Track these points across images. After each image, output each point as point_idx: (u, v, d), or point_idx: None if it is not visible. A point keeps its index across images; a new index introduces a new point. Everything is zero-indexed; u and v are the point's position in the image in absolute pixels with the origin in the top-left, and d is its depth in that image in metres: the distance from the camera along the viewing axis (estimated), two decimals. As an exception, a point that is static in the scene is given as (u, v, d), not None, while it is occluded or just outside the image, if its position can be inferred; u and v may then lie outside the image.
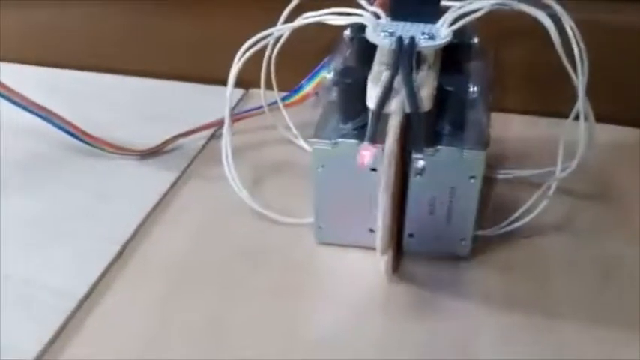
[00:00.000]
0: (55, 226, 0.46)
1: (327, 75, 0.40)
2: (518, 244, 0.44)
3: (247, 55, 0.44)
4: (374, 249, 0.39)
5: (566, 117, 0.41)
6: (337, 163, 0.40)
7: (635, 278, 0.41)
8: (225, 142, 0.46)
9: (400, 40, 0.37)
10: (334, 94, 0.40)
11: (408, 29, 0.39)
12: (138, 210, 0.47)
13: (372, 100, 0.37)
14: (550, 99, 0.52)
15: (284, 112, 0.53)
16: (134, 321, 0.39)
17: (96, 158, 0.52)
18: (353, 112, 0.40)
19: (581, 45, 0.39)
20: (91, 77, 0.65)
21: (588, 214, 0.46)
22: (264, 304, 0.40)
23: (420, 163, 0.38)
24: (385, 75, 0.36)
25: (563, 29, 0.39)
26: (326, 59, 0.50)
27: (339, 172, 0.40)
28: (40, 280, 0.41)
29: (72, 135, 0.51)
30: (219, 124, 0.56)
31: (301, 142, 0.53)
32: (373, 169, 0.39)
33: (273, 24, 0.44)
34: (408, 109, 0.36)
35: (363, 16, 0.40)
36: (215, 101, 0.59)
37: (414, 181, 0.39)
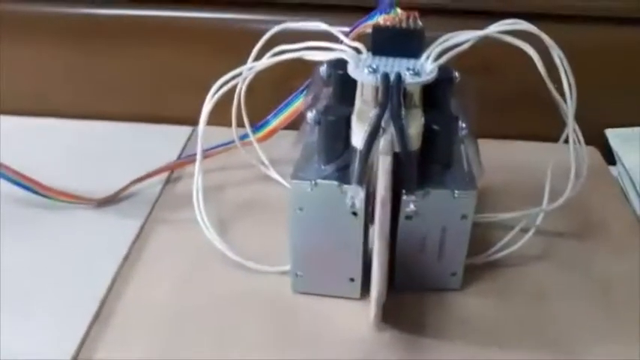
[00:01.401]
0: (24, 290, 0.41)
1: (308, 114, 0.38)
2: (505, 271, 0.43)
3: (220, 92, 0.42)
4: (354, 299, 0.38)
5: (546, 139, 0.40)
6: (317, 205, 0.37)
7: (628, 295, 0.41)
8: (197, 187, 0.44)
9: (386, 76, 0.35)
10: (315, 134, 0.38)
11: (391, 65, 0.37)
12: (109, 263, 0.43)
13: (358, 140, 0.35)
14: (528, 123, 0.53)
15: (256, 146, 0.51)
16: None
17: (50, 210, 0.48)
18: (335, 152, 0.38)
19: (570, 75, 0.38)
20: (30, 122, 0.60)
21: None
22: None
23: (412, 207, 0.36)
24: (373, 113, 0.34)
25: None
26: (293, 94, 0.48)
27: (318, 215, 0.38)
28: (23, 350, 0.37)
29: (23, 187, 0.47)
30: (176, 166, 0.53)
31: (274, 174, 0.51)
32: (354, 213, 0.37)
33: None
34: (396, 149, 0.34)
35: (344, 52, 0.38)
36: (163, 141, 0.57)
37: (405, 221, 0.37)
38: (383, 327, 0.39)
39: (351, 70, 0.37)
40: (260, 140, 0.50)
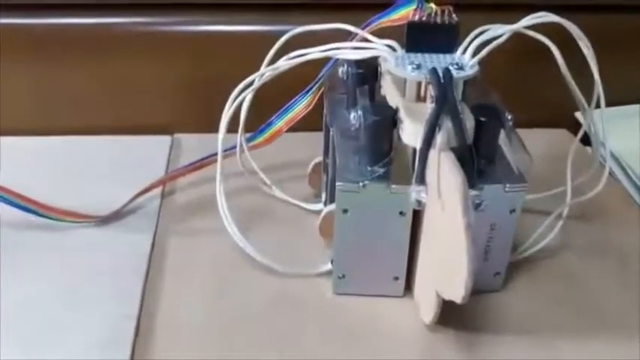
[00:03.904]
0: (55, 320, 0.39)
1: (352, 114, 0.37)
2: (541, 267, 0.43)
3: (241, 97, 0.40)
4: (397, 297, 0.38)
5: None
6: (364, 206, 0.37)
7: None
8: (220, 193, 0.42)
9: (435, 71, 0.35)
10: (361, 135, 0.37)
11: (429, 60, 0.37)
12: (133, 279, 0.41)
13: (413, 138, 0.35)
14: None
15: (248, 155, 0.48)
16: None
17: (52, 232, 0.45)
18: (380, 152, 0.37)
19: (595, 68, 0.39)
20: (11, 142, 0.56)
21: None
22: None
23: (476, 200, 0.36)
24: (430, 110, 0.34)
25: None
26: (297, 95, 0.47)
27: (365, 216, 0.37)
28: None
29: (25, 209, 0.44)
30: (174, 176, 0.51)
31: (276, 191, 0.50)
32: (401, 213, 0.37)
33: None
34: (452, 144, 0.34)
35: (380, 49, 0.37)
36: (144, 152, 0.55)
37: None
38: (431, 326, 0.38)
39: (393, 68, 0.36)
40: (263, 143, 0.49)
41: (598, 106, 0.40)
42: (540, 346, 0.38)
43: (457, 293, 0.32)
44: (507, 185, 0.37)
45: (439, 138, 0.34)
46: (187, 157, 0.51)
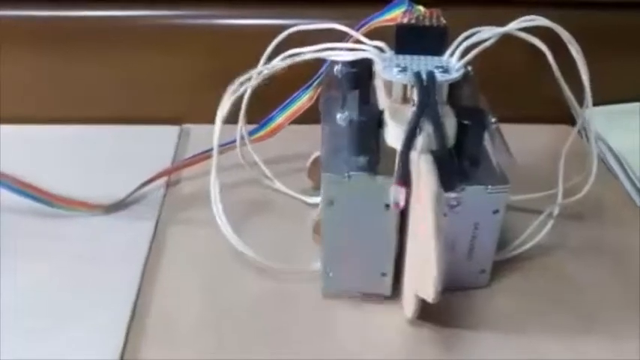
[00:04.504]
0: (54, 304, 0.41)
1: (338, 115, 0.38)
2: (532, 265, 0.44)
3: (238, 92, 0.41)
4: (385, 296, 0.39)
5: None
6: (349, 197, 0.37)
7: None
8: (214, 190, 0.43)
9: (419, 75, 0.36)
10: (348, 133, 0.38)
11: (417, 63, 0.38)
12: (132, 266, 0.43)
13: (395, 140, 0.35)
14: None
15: (249, 147, 0.50)
16: None
17: (58, 220, 0.47)
18: (365, 149, 0.38)
19: (585, 72, 0.39)
20: (15, 130, 0.58)
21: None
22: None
23: (454, 203, 0.37)
24: (411, 113, 0.35)
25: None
26: (298, 90, 0.48)
27: (351, 208, 0.38)
28: None
29: (30, 197, 0.46)
30: (179, 167, 0.52)
31: (277, 184, 0.51)
32: (387, 205, 0.37)
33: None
34: (433, 147, 0.35)
35: (369, 51, 0.38)
36: (153, 142, 0.56)
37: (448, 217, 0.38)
38: (419, 324, 0.39)
39: (380, 70, 0.37)
40: (265, 137, 0.50)
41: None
42: (521, 346, 0.38)
43: (427, 293, 0.33)
44: (489, 187, 0.37)
45: (419, 141, 0.35)
46: (195, 148, 0.53)
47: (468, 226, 0.39)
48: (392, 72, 0.37)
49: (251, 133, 0.50)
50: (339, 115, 0.38)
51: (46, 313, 0.40)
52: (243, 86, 0.41)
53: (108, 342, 0.38)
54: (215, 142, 0.43)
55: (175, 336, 0.39)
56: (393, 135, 0.36)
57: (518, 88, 0.56)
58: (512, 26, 0.38)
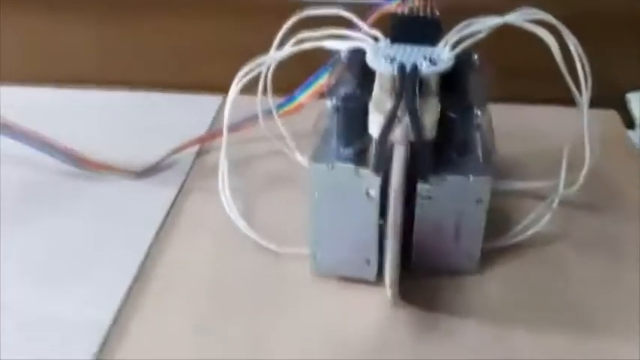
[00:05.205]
0: (67, 257, 0.45)
1: (327, 101, 0.39)
2: (523, 252, 0.44)
3: (244, 81, 0.43)
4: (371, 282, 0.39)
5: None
6: (334, 187, 0.39)
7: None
8: (222, 168, 0.46)
9: (402, 67, 0.36)
10: (334, 120, 0.39)
11: (409, 53, 0.38)
12: (146, 231, 0.46)
13: (375, 129, 0.37)
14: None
15: (278, 122, 0.52)
16: (167, 345, 0.39)
17: (89, 181, 0.51)
18: (353, 137, 0.39)
19: (585, 63, 0.39)
20: (66, 93, 0.63)
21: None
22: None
23: (426, 194, 0.38)
24: (388, 104, 0.36)
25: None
26: (319, 70, 0.50)
27: (335, 197, 0.39)
28: (61, 316, 0.40)
29: (65, 159, 0.50)
30: (210, 137, 0.55)
31: (297, 156, 0.52)
32: (368, 195, 0.39)
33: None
34: (412, 138, 0.36)
35: (362, 41, 0.39)
36: (193, 110, 0.59)
37: (421, 206, 0.39)
38: (401, 305, 0.40)
39: (370, 59, 0.38)
40: (289, 113, 0.52)
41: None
42: (501, 336, 0.39)
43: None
44: (471, 177, 0.38)
45: (396, 132, 0.36)
46: (232, 119, 0.55)
47: (452, 214, 0.39)
48: (380, 62, 0.38)
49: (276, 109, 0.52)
50: (328, 102, 0.39)
51: (55, 265, 0.44)
52: (253, 72, 0.43)
53: (109, 298, 0.41)
54: (225, 116, 0.45)
55: (172, 299, 0.41)
56: (374, 124, 0.37)
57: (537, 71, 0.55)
58: (511, 18, 0.38)
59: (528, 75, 0.56)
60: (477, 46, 0.40)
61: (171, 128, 0.56)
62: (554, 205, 0.43)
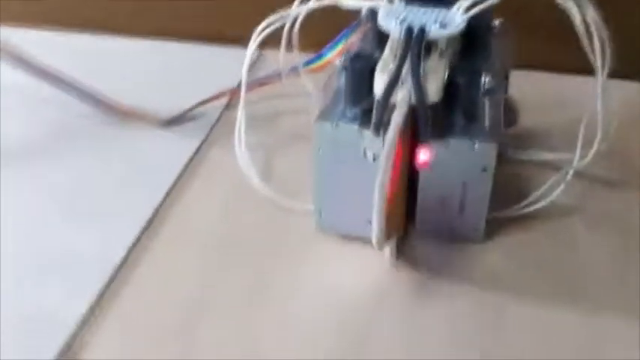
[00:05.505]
0: (85, 197, 0.46)
1: (337, 61, 0.39)
2: (535, 227, 0.43)
3: (264, 34, 0.44)
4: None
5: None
6: (336, 146, 0.39)
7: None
8: (240, 122, 0.47)
9: (409, 29, 0.36)
10: (342, 79, 0.39)
11: (421, 15, 0.38)
12: (166, 177, 0.48)
13: (378, 89, 0.36)
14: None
15: (304, 79, 0.52)
16: (173, 287, 0.40)
17: (115, 127, 0.53)
18: (360, 97, 0.39)
19: (605, 37, 0.37)
20: (99, 41, 0.65)
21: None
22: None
23: (425, 158, 0.37)
24: (392, 66, 0.36)
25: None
26: (347, 28, 0.49)
27: (338, 157, 0.39)
28: (76, 250, 0.42)
29: (94, 104, 0.52)
30: (238, 91, 0.55)
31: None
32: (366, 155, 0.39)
33: None
34: (413, 101, 0.36)
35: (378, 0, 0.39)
36: (232, 64, 0.59)
37: (424, 172, 0.39)
38: (401, 268, 0.40)
39: (381, 19, 0.38)
40: (316, 70, 0.52)
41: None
42: (498, 305, 0.38)
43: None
44: (477, 143, 0.37)
45: (398, 94, 0.36)
46: (261, 74, 0.56)
47: (457, 181, 0.39)
48: (391, 23, 0.38)
49: (303, 65, 0.52)
50: (337, 61, 0.39)
51: (75, 204, 0.46)
52: (272, 26, 0.44)
53: (121, 238, 0.43)
54: (243, 76, 0.46)
55: (180, 244, 0.43)
56: (378, 85, 0.37)
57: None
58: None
59: (553, 41, 0.54)
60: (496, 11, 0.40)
61: (203, 80, 0.57)
62: (568, 177, 0.42)
